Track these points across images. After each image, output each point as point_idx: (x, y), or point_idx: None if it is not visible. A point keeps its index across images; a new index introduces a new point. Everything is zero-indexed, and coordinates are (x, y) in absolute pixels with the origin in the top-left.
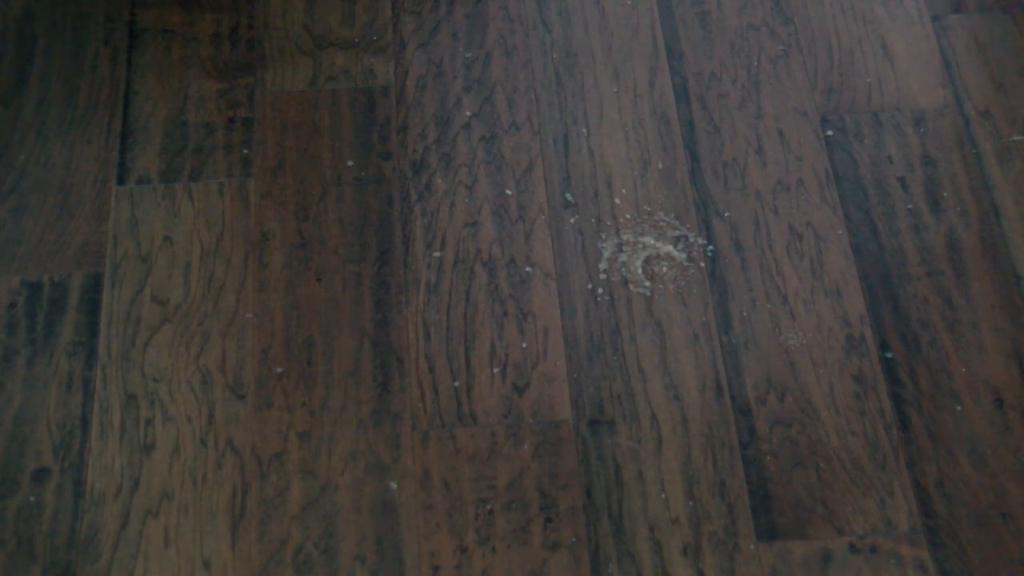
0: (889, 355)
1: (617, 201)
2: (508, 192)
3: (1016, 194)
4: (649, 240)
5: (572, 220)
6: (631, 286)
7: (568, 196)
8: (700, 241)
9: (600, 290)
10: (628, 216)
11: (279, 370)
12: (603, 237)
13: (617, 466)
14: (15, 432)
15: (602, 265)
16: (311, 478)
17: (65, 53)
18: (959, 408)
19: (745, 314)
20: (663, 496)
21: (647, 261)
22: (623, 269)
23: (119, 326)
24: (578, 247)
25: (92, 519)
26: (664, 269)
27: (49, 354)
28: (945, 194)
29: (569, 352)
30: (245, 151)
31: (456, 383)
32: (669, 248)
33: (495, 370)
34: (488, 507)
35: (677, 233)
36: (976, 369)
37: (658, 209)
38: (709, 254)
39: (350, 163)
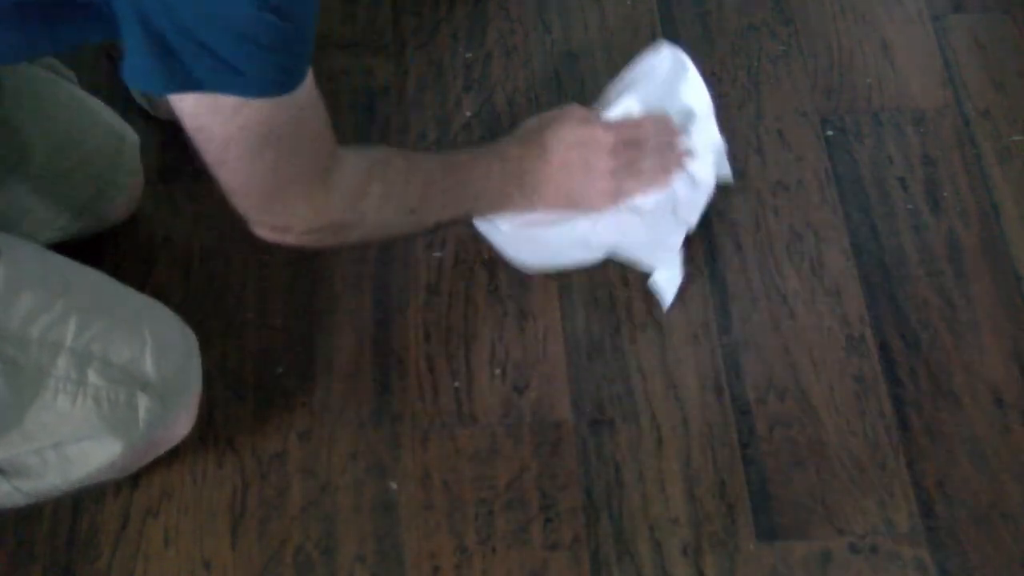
0: (889, 355)
1: None
2: None
3: (1016, 194)
4: None
5: None
6: (631, 286)
7: None
8: (700, 241)
9: (600, 290)
10: None
11: (279, 370)
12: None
13: (617, 466)
14: None
15: (602, 265)
16: (311, 478)
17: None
18: (959, 408)
19: (745, 314)
20: (663, 496)
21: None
22: (623, 269)
23: None
24: None
25: (92, 519)
26: None
27: None
28: (945, 194)
29: (569, 352)
30: None
31: (456, 383)
32: None
33: (495, 370)
34: (488, 507)
35: None
36: (976, 369)
37: None
38: (709, 254)
39: None
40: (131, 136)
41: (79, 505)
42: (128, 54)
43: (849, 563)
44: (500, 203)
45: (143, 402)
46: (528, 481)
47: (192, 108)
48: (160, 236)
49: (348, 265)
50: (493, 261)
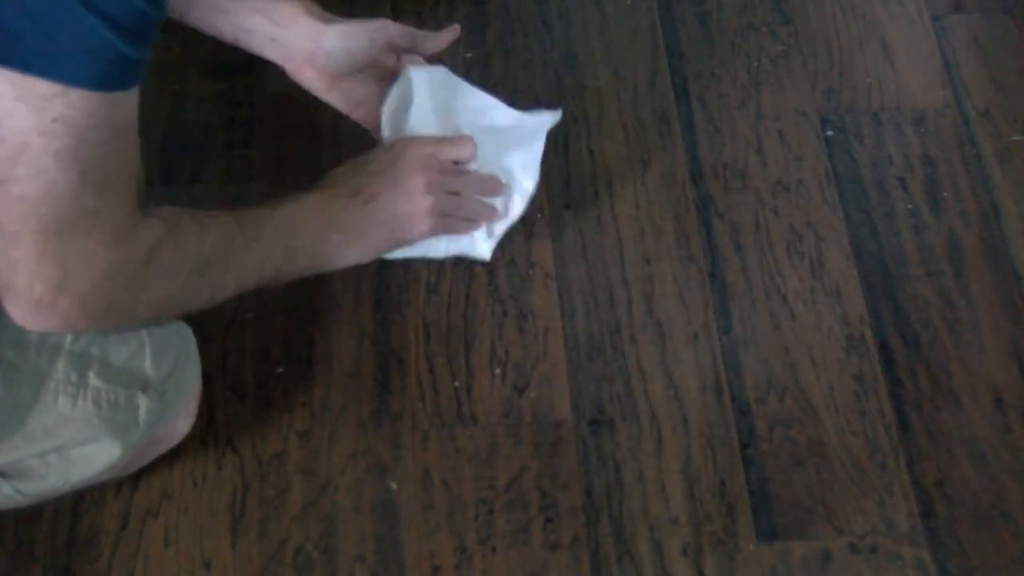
0: (889, 355)
1: (617, 201)
2: None
3: (1016, 194)
4: (649, 240)
5: (572, 220)
6: (631, 286)
7: (568, 197)
8: (700, 241)
9: (600, 290)
10: (628, 216)
11: (279, 370)
12: (603, 237)
13: (617, 466)
14: None
15: (602, 265)
16: (311, 478)
17: None
18: (959, 408)
19: (745, 314)
20: (663, 496)
21: (647, 261)
22: (623, 269)
23: None
24: (578, 247)
25: (92, 519)
26: (664, 269)
27: None
28: (945, 194)
29: (569, 352)
30: (245, 151)
31: (456, 383)
32: (669, 248)
33: (495, 370)
34: (488, 507)
35: (677, 233)
36: (976, 369)
37: (658, 209)
38: (710, 254)
39: None
40: None
41: (79, 506)
42: None
43: (849, 563)
44: (325, 253)
45: (143, 403)
46: (528, 481)
47: None
48: None
49: None
50: (493, 261)
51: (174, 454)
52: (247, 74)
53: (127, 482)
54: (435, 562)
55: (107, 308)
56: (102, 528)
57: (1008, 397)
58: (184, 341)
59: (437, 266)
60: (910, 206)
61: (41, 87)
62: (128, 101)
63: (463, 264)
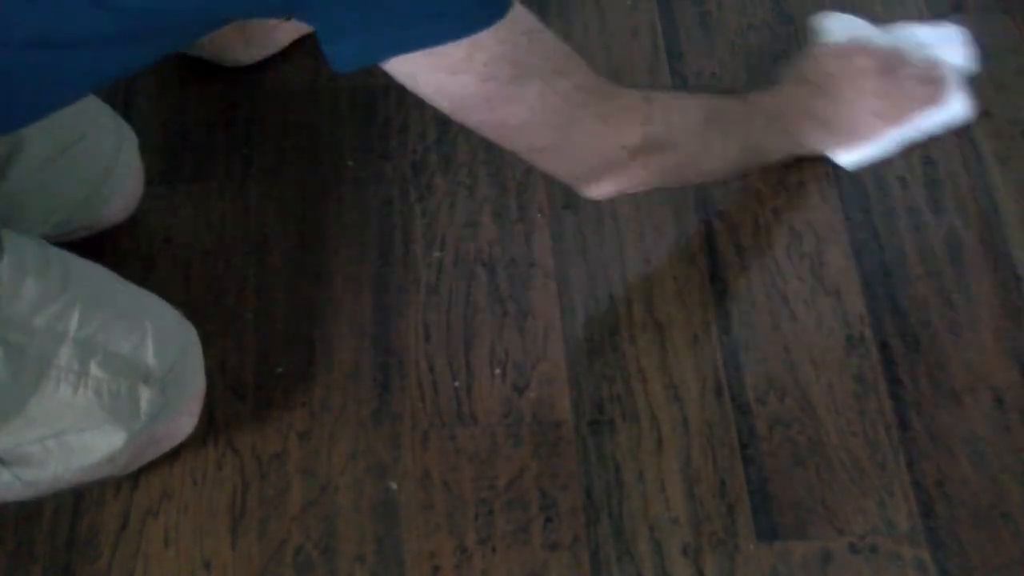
0: (889, 355)
1: (617, 201)
2: (508, 192)
3: (1016, 194)
4: (649, 240)
5: (572, 220)
6: (630, 285)
7: (568, 197)
8: (700, 241)
9: (600, 290)
10: (628, 216)
11: (279, 370)
12: (603, 237)
13: (617, 466)
14: None
15: (602, 265)
16: (311, 478)
17: None
18: (959, 408)
19: (745, 314)
20: (663, 496)
21: (647, 261)
22: (623, 268)
23: None
24: (578, 247)
25: (92, 519)
26: (664, 269)
27: None
28: (945, 194)
29: (569, 352)
30: (245, 151)
31: (456, 383)
32: (669, 248)
33: (495, 370)
34: (488, 507)
35: (677, 233)
36: (976, 369)
37: (658, 209)
38: (709, 254)
39: (350, 163)
40: (129, 135)
41: (79, 505)
42: (325, 38)
43: (849, 563)
44: (797, 136)
45: (145, 394)
46: (528, 481)
47: (430, 82)
48: (160, 236)
49: (348, 265)
50: (493, 261)
51: (174, 454)
52: (247, 74)
53: (127, 482)
54: (435, 562)
55: (652, 152)
56: (102, 528)
57: (1008, 397)
58: (187, 337)
59: (437, 266)
60: (910, 206)
61: (453, 53)
62: (514, 13)
63: (463, 264)
